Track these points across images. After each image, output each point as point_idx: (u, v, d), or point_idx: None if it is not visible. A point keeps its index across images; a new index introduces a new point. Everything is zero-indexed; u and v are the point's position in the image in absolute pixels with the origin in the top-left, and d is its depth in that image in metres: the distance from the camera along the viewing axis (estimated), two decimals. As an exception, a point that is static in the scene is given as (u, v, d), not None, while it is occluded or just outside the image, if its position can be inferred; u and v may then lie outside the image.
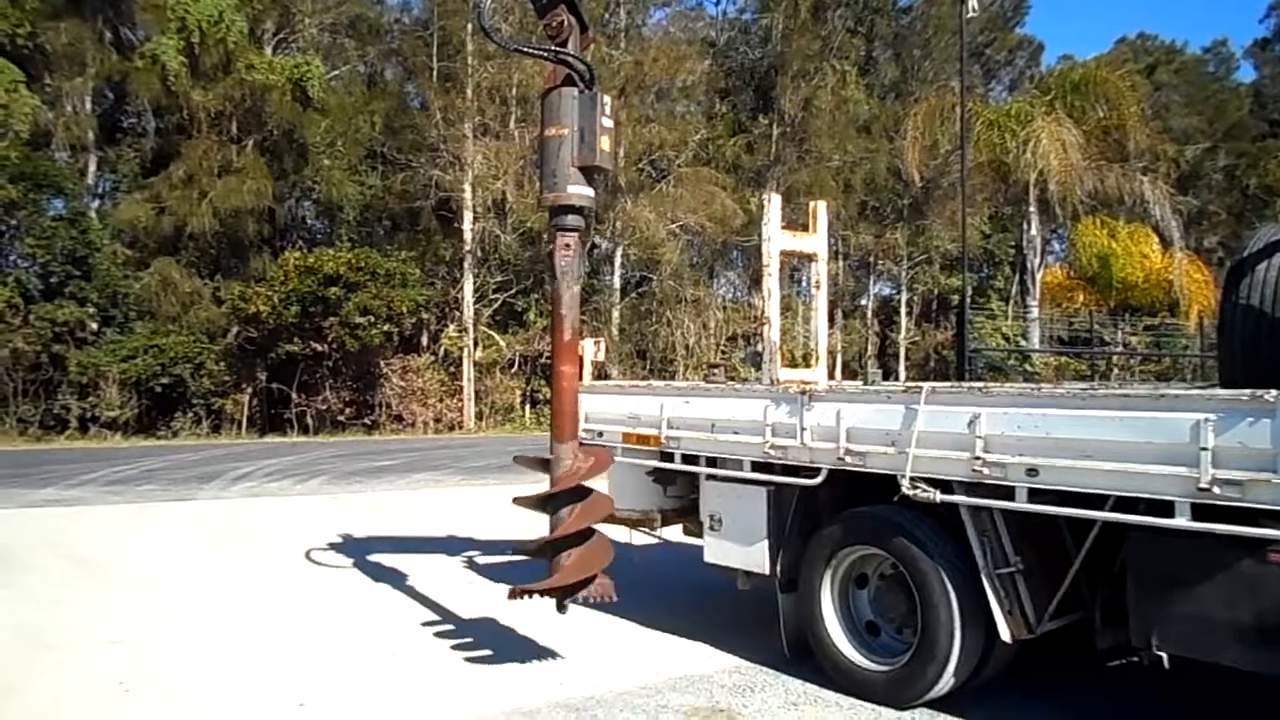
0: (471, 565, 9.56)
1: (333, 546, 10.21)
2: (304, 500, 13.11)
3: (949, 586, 4.90)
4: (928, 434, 4.88)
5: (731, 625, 6.71)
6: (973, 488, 4.75)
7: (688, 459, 6.48)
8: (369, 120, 29.56)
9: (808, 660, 5.74)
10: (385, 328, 25.59)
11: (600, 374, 7.15)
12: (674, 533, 7.58)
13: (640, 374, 30.25)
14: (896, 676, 5.14)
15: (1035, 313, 13.16)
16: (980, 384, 5.99)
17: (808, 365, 9.06)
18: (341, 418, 25.96)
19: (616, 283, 32.42)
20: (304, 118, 27.44)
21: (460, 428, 27.91)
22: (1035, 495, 4.51)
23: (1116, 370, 17.45)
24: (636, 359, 31.96)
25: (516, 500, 5.87)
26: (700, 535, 7.29)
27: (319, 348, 25.47)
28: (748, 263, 36.52)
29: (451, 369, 28.68)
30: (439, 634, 6.67)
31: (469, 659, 6.11)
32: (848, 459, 5.28)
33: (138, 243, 26.62)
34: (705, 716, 5.08)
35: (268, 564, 9.27)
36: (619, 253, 32.31)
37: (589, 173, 5.57)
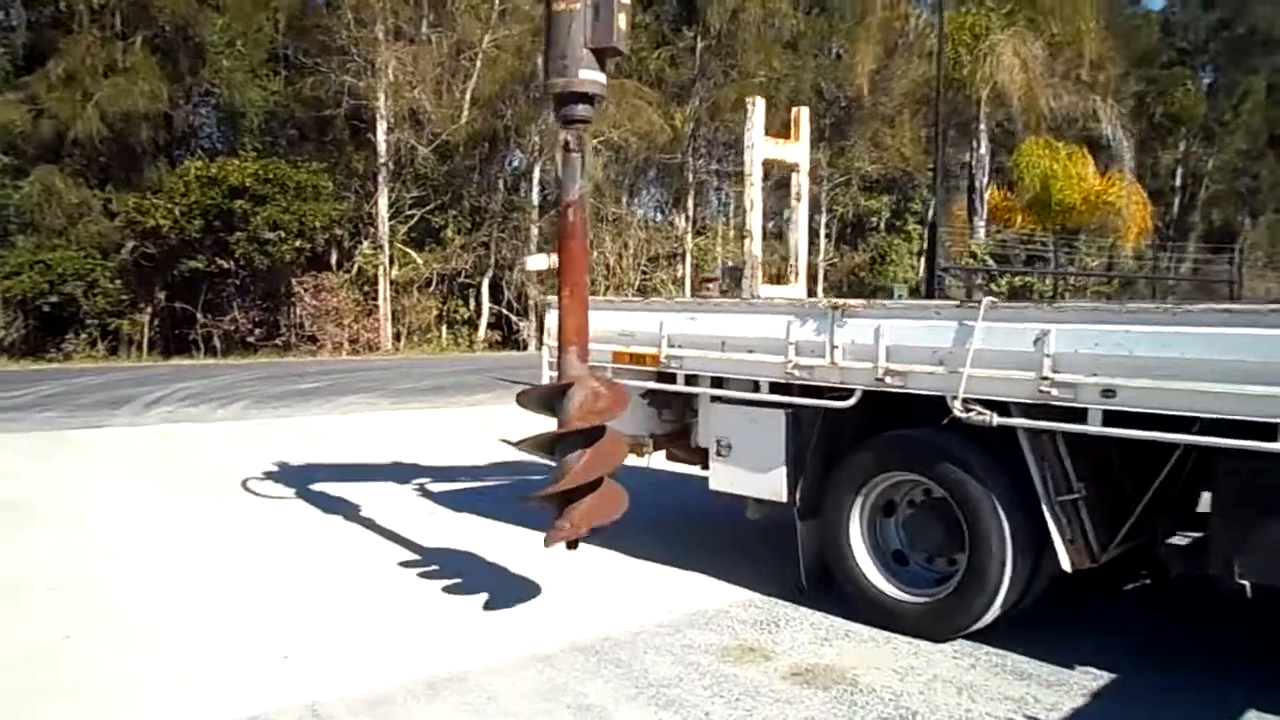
0: (426, 494, 8.99)
1: (270, 476, 9.47)
2: (229, 426, 12.22)
3: (1001, 515, 4.60)
4: (985, 352, 4.51)
5: (736, 556, 6.36)
6: (1036, 410, 4.42)
7: (691, 380, 6.01)
8: (271, 18, 27.39)
9: (826, 592, 5.43)
10: (297, 244, 24.13)
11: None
12: (659, 459, 7.16)
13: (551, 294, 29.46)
14: (937, 608, 4.87)
15: (982, 233, 13.02)
16: (1048, 300, 5.62)
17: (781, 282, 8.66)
18: (251, 339, 24.55)
19: (535, 199, 31.33)
20: (198, 14, 25.22)
21: (377, 349, 26.81)
22: (1108, 418, 4.20)
23: (1069, 292, 17.65)
24: (555, 278, 31.15)
25: (518, 444, 5.30)
26: (689, 461, 6.91)
27: (225, 265, 23.88)
28: (669, 181, 35.86)
29: (366, 288, 27.39)
30: (420, 572, 6.13)
31: (460, 599, 5.60)
32: (887, 380, 4.89)
33: (14, 149, 24.25)
34: (737, 656, 4.72)
35: (204, 495, 8.50)
36: (538, 169, 31.17)
37: (602, 55, 4.90)
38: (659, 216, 36.86)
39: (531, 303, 30.01)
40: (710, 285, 7.61)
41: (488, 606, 5.46)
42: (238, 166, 23.77)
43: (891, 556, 5.24)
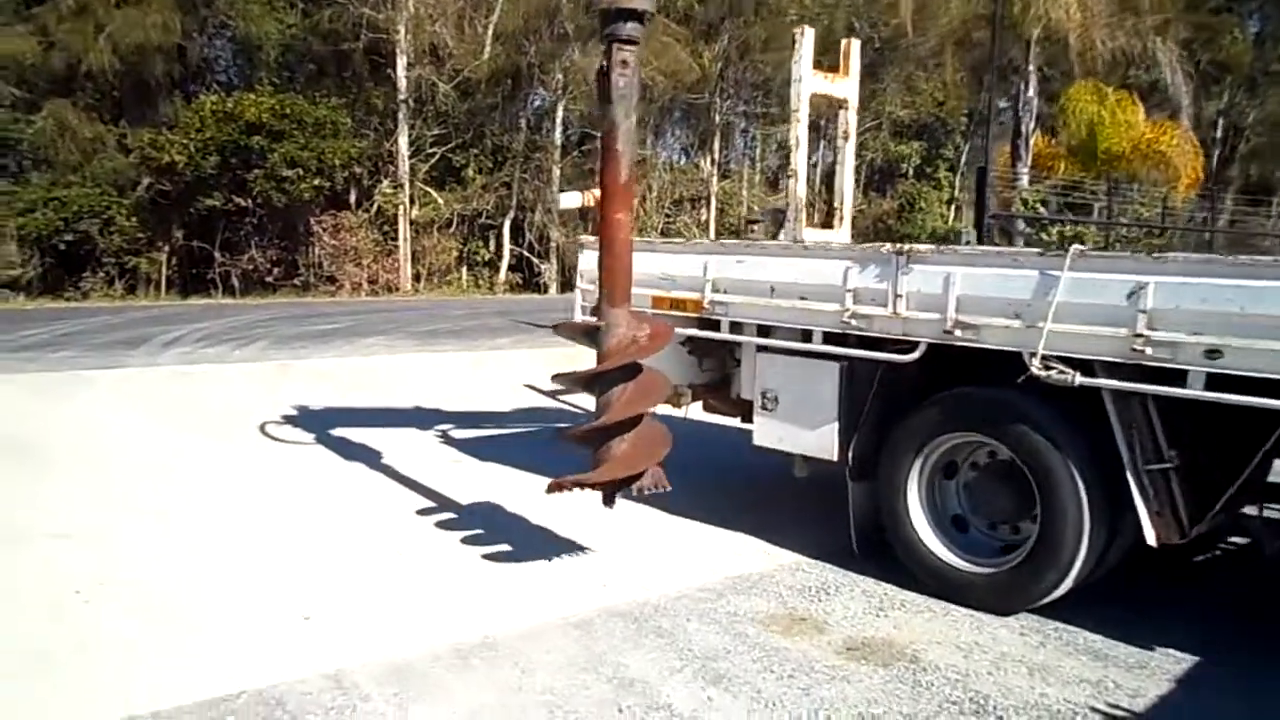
0: (449, 440, 8.70)
1: (288, 420, 9.21)
2: (247, 368, 11.91)
3: (1079, 483, 4.22)
4: (1070, 305, 4.09)
5: (780, 516, 6.02)
6: (1125, 370, 4.01)
7: (735, 328, 5.62)
8: (287, -53, 26.57)
9: (877, 557, 5.10)
10: (315, 182, 23.64)
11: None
12: (696, 410, 6.80)
13: (582, 234, 28.91)
14: (1003, 580, 4.52)
15: (1025, 180, 12.41)
16: (1146, 249, 5.19)
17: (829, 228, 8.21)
18: (269, 278, 24.22)
19: (558, 139, 30.63)
20: (213, -58, 24.49)
21: (396, 290, 26.44)
22: (1211, 382, 3.79)
23: (1120, 244, 16.98)
24: (580, 220, 30.56)
25: (556, 377, 4.96)
26: (727, 413, 6.56)
27: (242, 203, 23.47)
28: (695, 122, 34.99)
29: (386, 228, 26.92)
30: (445, 527, 5.83)
31: (485, 556, 5.29)
32: (956, 332, 4.48)
33: (25, 82, 23.75)
34: (787, 626, 4.40)
35: (220, 439, 8.23)
36: (561, 107, 30.42)
37: (649, -27, 4.44)
38: (684, 159, 36.06)
39: (553, 245, 29.55)
40: (756, 227, 7.16)
41: (518, 565, 5.16)
42: (254, 102, 23.20)
43: (951, 522, 4.88)
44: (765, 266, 5.34)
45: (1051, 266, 4.16)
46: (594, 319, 4.74)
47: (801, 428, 5.27)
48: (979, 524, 4.84)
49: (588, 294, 6.44)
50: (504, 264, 29.91)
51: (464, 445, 8.46)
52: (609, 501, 4.74)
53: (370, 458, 7.70)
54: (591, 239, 6.50)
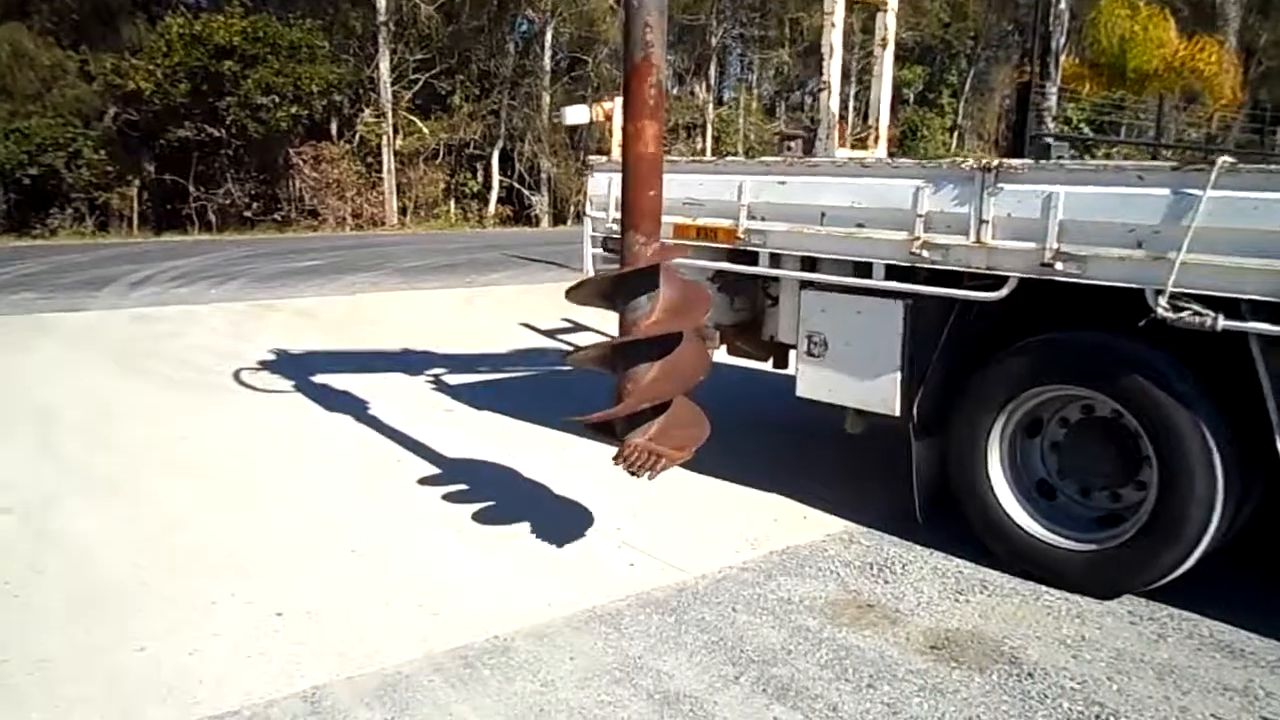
0: (441, 386, 7.94)
1: (266, 366, 8.41)
2: (222, 309, 11.07)
3: (1212, 445, 3.49)
4: (1212, 232, 3.31)
5: (825, 476, 5.31)
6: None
7: (775, 261, 4.83)
8: None
9: (942, 524, 4.40)
10: (293, 110, 22.40)
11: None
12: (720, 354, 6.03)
13: (573, 164, 27.78)
14: (1109, 559, 3.81)
15: (1052, 100, 11.53)
16: None
17: (863, 147, 7.37)
18: (248, 213, 23.12)
19: (548, 64, 29.30)
20: None
21: (382, 224, 25.40)
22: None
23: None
24: (570, 150, 29.38)
25: (569, 358, 4.18)
26: (756, 357, 5.80)
27: (216, 133, 22.25)
28: (689, 46, 33.54)
29: (369, 159, 25.75)
30: (439, 493, 5.09)
31: (487, 528, 4.57)
32: (1057, 265, 3.70)
33: (-28, 3, 22.27)
34: (854, 616, 3.70)
35: (188, 390, 7.45)
36: (550, 30, 29.01)
37: None
38: (678, 85, 34.67)
39: (544, 176, 28.45)
40: (793, 143, 6.31)
41: (526, 540, 4.44)
42: (224, 24, 21.81)
43: (1035, 487, 4.16)
44: (814, 188, 4.52)
45: (1190, 184, 3.36)
46: (615, 272, 3.87)
47: (856, 377, 4.51)
48: (1069, 490, 4.12)
49: (598, 223, 5.63)
50: (493, 196, 28.83)
51: (457, 391, 7.70)
52: (632, 466, 3.94)
53: (355, 408, 6.94)
54: (603, 159, 5.67)
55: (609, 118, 5.77)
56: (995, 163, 3.86)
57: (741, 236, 4.83)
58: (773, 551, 4.34)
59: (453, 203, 28.52)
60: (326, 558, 4.22)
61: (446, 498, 4.99)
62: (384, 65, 25.37)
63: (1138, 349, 3.64)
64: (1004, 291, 3.89)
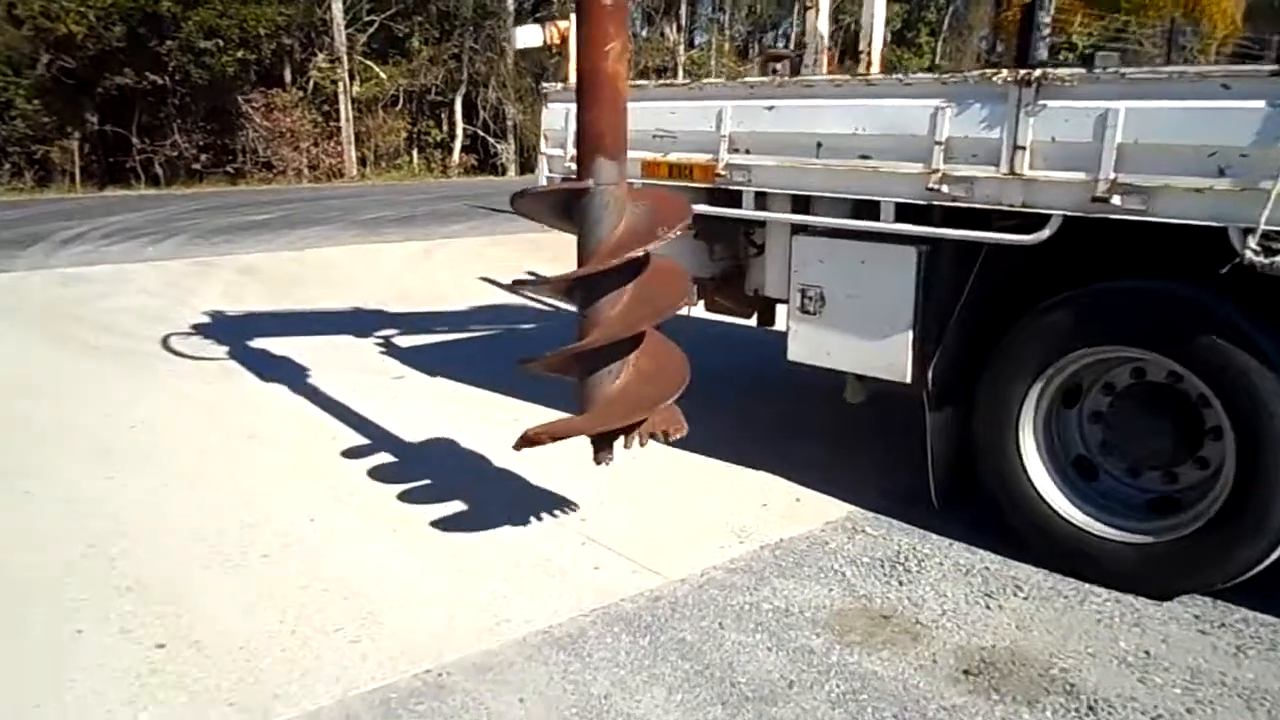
0: (391, 350, 7.20)
1: (199, 329, 7.63)
2: (157, 267, 10.19)
3: (1307, 417, 2.84)
4: (1322, 150, 2.62)
5: (819, 451, 4.65)
6: None
7: (762, 201, 4.11)
8: None
9: (959, 510, 3.76)
10: (239, 54, 21.12)
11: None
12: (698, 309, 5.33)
13: (539, 109, 26.65)
14: (1171, 553, 3.17)
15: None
16: None
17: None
18: (197, 166, 21.90)
19: (511, 4, 27.99)
20: None
21: (340, 175, 24.29)
22: None
23: None
24: (535, 96, 28.23)
25: (519, 285, 3.49)
26: (737, 313, 5.12)
27: (159, 80, 20.93)
28: (660, -13, 32.23)
29: (325, 107, 24.52)
30: (370, 473, 4.40)
31: (432, 524, 3.88)
32: (1114, 199, 3.00)
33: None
34: (867, 632, 3.06)
35: (108, 359, 6.67)
36: (513, -32, 27.67)
37: None
38: (647, 28, 33.43)
39: (510, 123, 27.32)
40: (780, 65, 5.54)
41: (472, 538, 3.75)
42: (161, -39, 20.41)
43: (1072, 465, 3.52)
44: (809, 114, 3.79)
45: (1287, 90, 2.67)
46: (572, 184, 3.19)
47: (858, 337, 3.83)
48: (1114, 469, 3.48)
49: (554, 161, 4.87)
50: (457, 144, 27.72)
51: (409, 356, 6.97)
52: (602, 455, 3.29)
53: (292, 376, 6.19)
54: (558, 87, 4.89)
55: (565, 39, 4.98)
56: (1036, 74, 3.14)
57: (722, 173, 4.10)
58: (764, 546, 3.69)
59: (415, 152, 27.37)
60: (232, 565, 3.51)
61: (383, 484, 4.28)
62: (336, 7, 24.01)
63: (1212, 301, 2.98)
64: (1045, 233, 3.19)
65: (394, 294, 9.30)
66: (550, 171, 4.80)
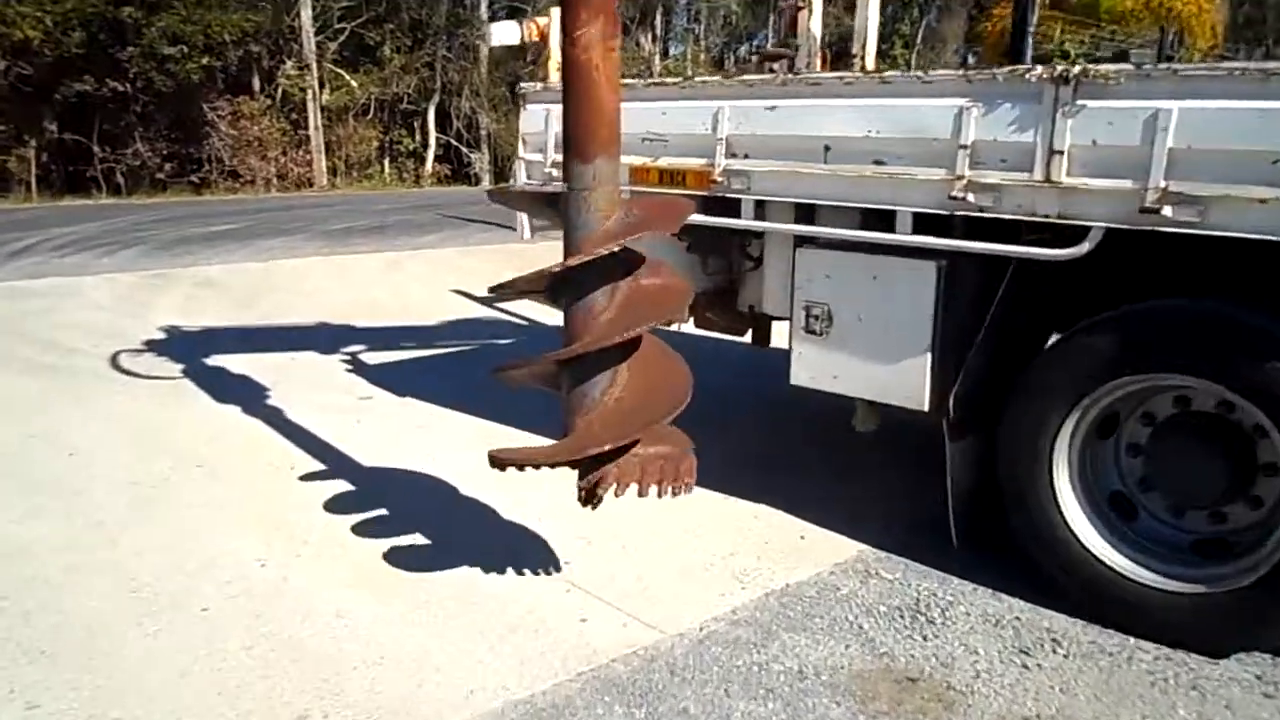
0: (358, 368, 6.79)
1: (153, 346, 7.18)
2: (110, 280, 9.69)
3: (1388, 455, 2.52)
4: None
5: (822, 480, 4.30)
6: None
7: (761, 211, 3.76)
8: None
9: (981, 549, 3.42)
10: (204, 61, 20.62)
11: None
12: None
13: (514, 117, 26.34)
14: (1225, 604, 2.84)
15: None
16: None
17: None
18: (160, 175, 21.32)
19: (484, 12, 27.63)
20: None
21: (310, 185, 23.78)
22: None
23: None
24: (509, 105, 27.85)
25: (498, 289, 3.10)
26: (729, 330, 4.77)
27: (120, 87, 20.36)
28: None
29: (294, 115, 24.02)
30: (330, 506, 3.99)
31: (394, 569, 3.48)
32: (1165, 211, 2.68)
33: None
34: (894, 699, 2.69)
35: (49, 375, 6.23)
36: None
37: None
38: (622, 36, 33.18)
39: (484, 132, 26.93)
40: (777, 65, 5.20)
41: (443, 589, 3.35)
42: (123, -35, 19.88)
43: (1108, 503, 3.18)
44: (816, 114, 3.44)
45: (1376, 85, 2.36)
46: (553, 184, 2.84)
47: (870, 360, 3.48)
48: (1154, 507, 3.15)
49: (533, 168, 4.50)
50: (430, 154, 27.32)
51: (376, 374, 6.56)
52: (589, 494, 2.91)
53: (251, 397, 5.77)
54: (537, 86, 4.52)
55: (544, 36, 4.62)
56: (1075, 70, 2.81)
57: (718, 180, 3.75)
58: (769, 593, 3.32)
59: (387, 162, 26.94)
60: (166, 621, 3.08)
61: (343, 520, 3.87)
62: (305, 13, 23.55)
63: (1274, 324, 2.65)
64: (1084, 247, 2.86)
65: (362, 307, 8.87)
66: (529, 178, 4.42)
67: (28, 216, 15.84)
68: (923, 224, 3.24)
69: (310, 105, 23.90)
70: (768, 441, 4.91)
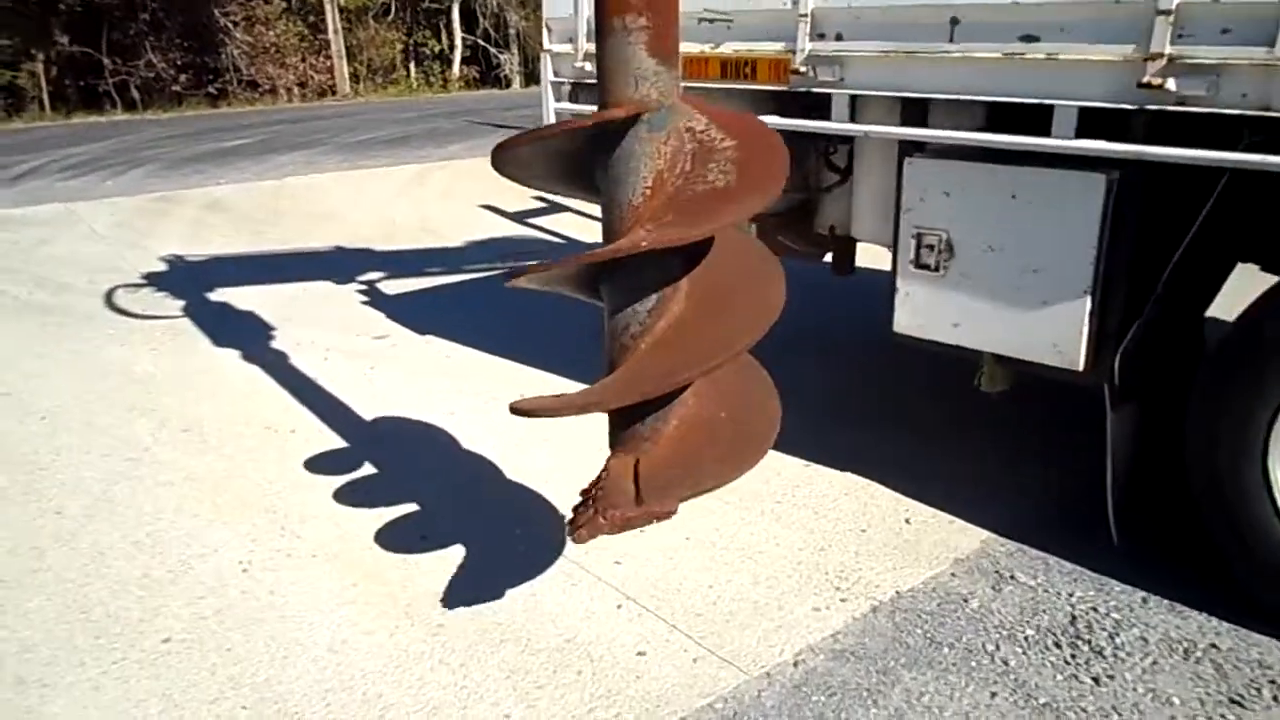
0: (376, 300, 6.10)
1: (152, 280, 6.54)
2: (112, 205, 9.00)
3: None
4: None
5: (914, 447, 3.54)
6: None
7: (857, 109, 2.91)
8: None
9: (1146, 546, 2.66)
10: (214, -39, 19.50)
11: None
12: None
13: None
14: None
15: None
16: None
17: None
18: (176, 87, 20.43)
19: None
20: None
21: (333, 93, 22.76)
22: None
23: None
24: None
25: (515, 282, 2.30)
26: (805, 255, 3.97)
27: (127, -7, 19.38)
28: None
29: (311, 18, 22.85)
30: (336, 483, 3.32)
31: (401, 571, 2.81)
32: None
33: None
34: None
35: (36, 315, 5.64)
36: None
37: None
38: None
39: (513, 31, 25.56)
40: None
41: (458, 604, 2.67)
42: None
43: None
44: (939, -27, 2.55)
45: None
46: (589, 118, 2.00)
47: (1005, 305, 2.67)
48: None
49: (561, 61, 3.65)
50: (457, 57, 26.03)
51: (396, 308, 5.86)
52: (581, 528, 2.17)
53: (254, 340, 5.13)
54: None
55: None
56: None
57: (800, 70, 2.88)
58: (876, 606, 2.60)
59: (412, 66, 25.73)
60: (112, 661, 2.44)
61: (345, 510, 3.20)
62: (318, -95, 22.15)
63: None
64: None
65: (382, 229, 8.14)
66: (556, 75, 3.58)
67: (38, 135, 15.16)
68: (1090, 123, 2.38)
69: (328, 6, 22.68)
70: (858, 391, 4.13)
